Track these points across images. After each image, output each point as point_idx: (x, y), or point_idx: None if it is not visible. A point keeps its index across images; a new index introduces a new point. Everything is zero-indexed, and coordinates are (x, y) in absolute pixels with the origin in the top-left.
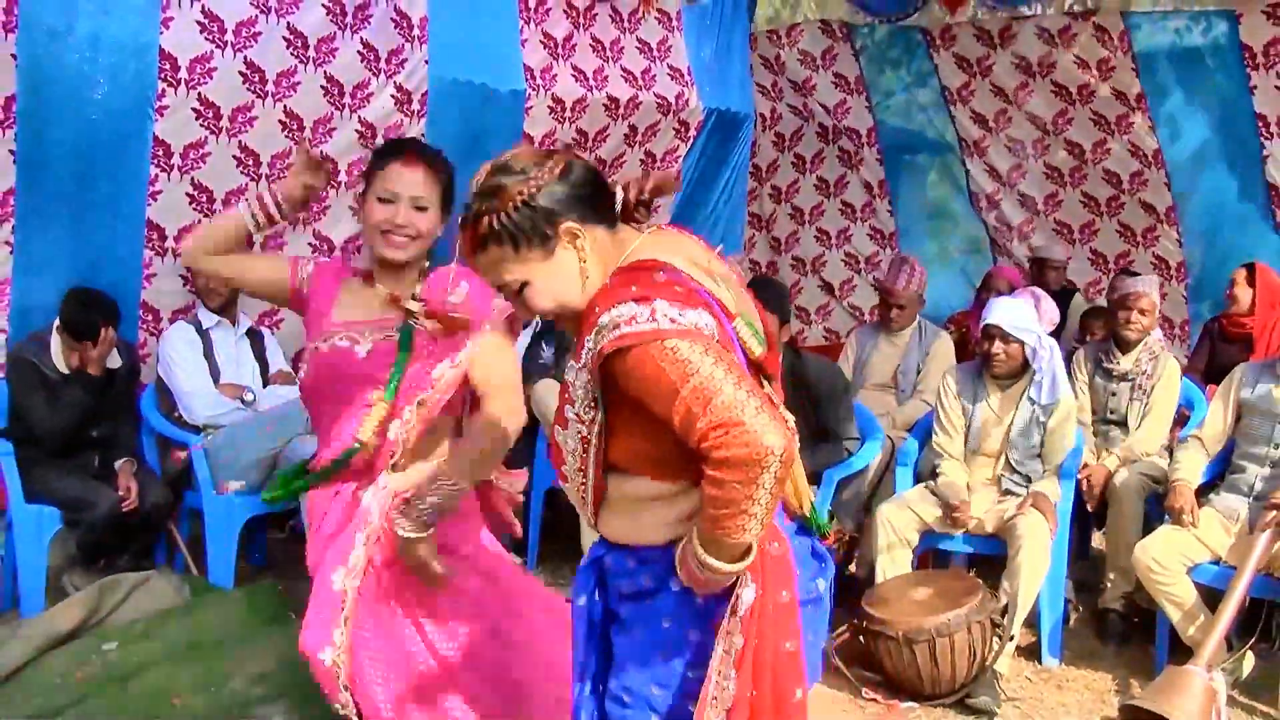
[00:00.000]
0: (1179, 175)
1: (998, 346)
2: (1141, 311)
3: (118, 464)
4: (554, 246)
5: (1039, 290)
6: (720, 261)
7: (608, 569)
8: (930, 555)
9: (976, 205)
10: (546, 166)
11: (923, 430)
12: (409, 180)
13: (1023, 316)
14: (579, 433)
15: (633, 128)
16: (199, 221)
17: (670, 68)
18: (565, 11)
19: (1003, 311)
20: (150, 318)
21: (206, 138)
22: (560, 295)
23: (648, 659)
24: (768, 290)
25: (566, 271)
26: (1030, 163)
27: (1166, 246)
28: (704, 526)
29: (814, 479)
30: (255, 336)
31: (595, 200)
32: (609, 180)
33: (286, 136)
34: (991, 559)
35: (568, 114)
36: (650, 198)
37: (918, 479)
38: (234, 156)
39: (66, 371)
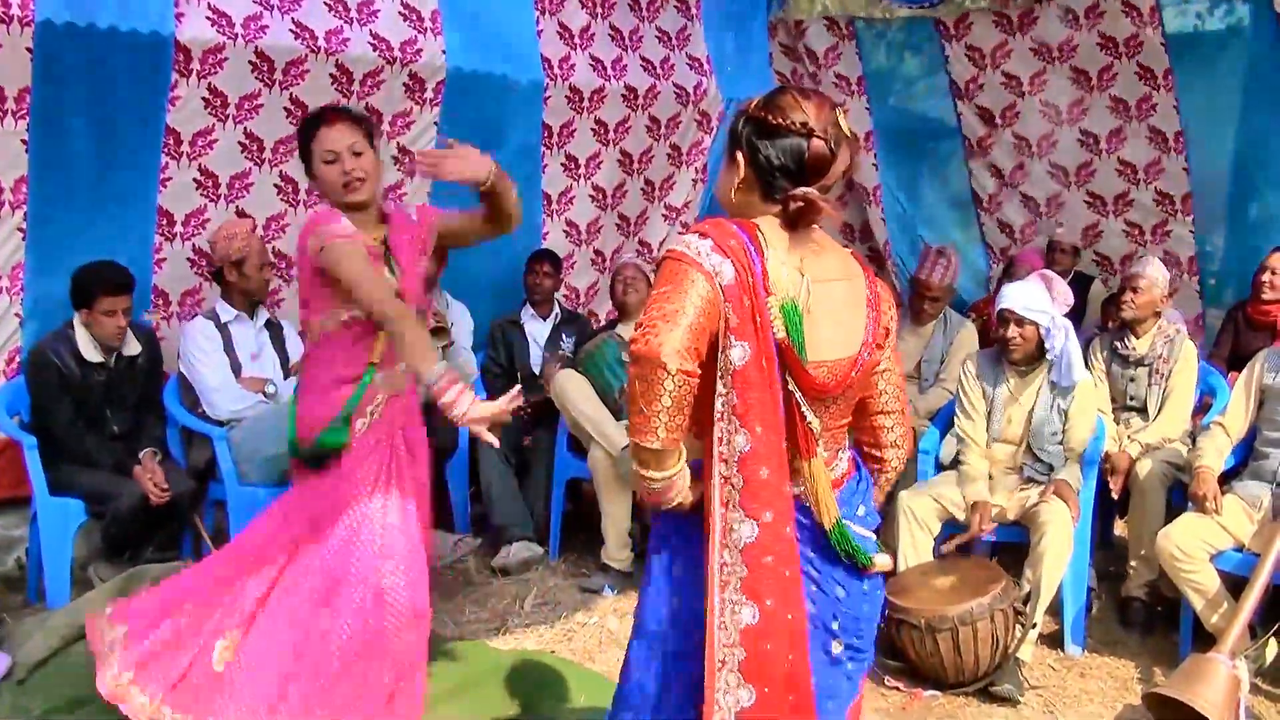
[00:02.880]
0: (1201, 157)
1: (1013, 330)
2: (1135, 290)
3: (141, 454)
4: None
5: (1050, 272)
6: (844, 266)
7: None
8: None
9: (978, 207)
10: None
11: (945, 419)
12: (338, 136)
13: (1035, 298)
14: None
15: (654, 119)
16: (205, 207)
17: (689, 57)
18: (582, 2)
19: (1015, 295)
20: (161, 302)
21: (214, 125)
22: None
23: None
24: None
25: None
26: (1034, 162)
27: (1179, 239)
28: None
29: None
30: (274, 328)
31: (782, 172)
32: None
33: (290, 123)
34: (1014, 547)
35: (586, 104)
36: (809, 215)
37: (939, 468)
38: (239, 143)
39: (93, 360)
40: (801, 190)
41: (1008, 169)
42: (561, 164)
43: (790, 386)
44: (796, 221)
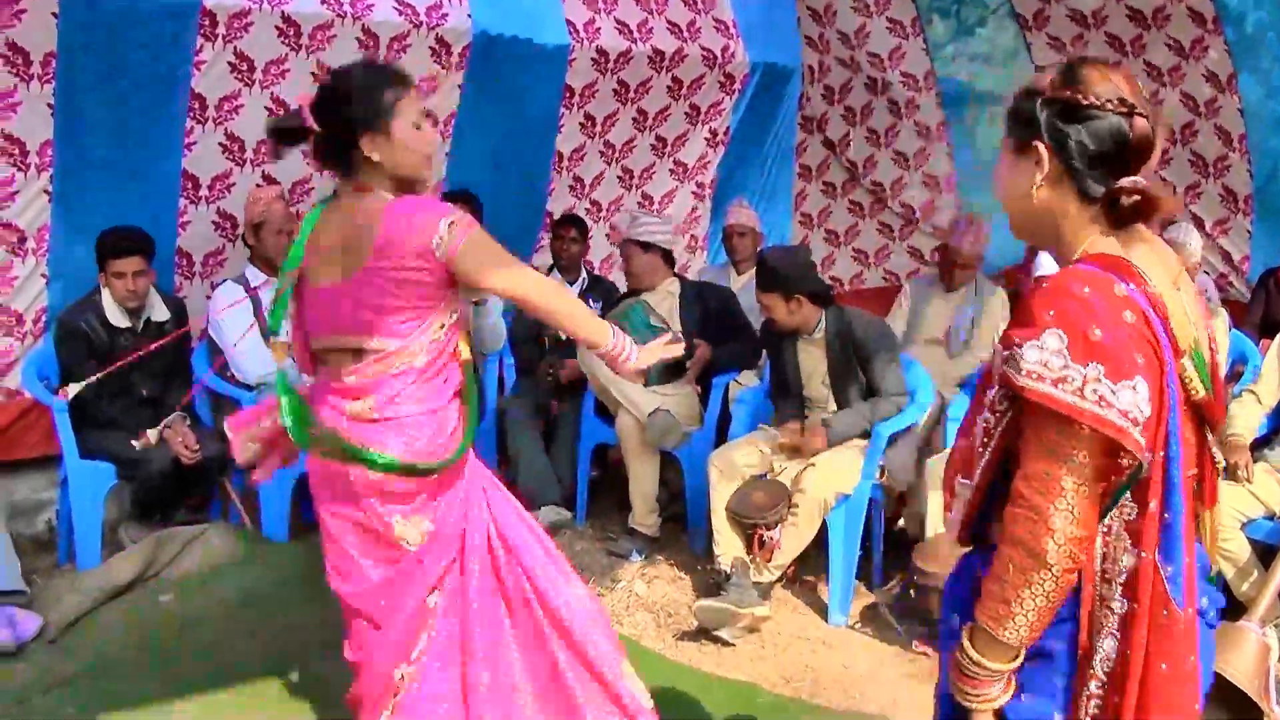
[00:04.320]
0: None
1: None
2: None
3: (169, 419)
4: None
5: None
6: (1170, 259)
7: None
8: None
9: None
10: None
11: (974, 386)
12: (420, 101)
13: None
14: (985, 421)
15: (677, 80)
16: (230, 171)
17: (715, 20)
18: None
19: (1054, 263)
20: (185, 263)
21: (240, 90)
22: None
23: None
24: (764, 267)
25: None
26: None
27: (1237, 177)
28: (975, 608)
29: (864, 434)
30: None
31: (1097, 159)
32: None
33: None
34: None
35: (610, 66)
36: (1145, 211)
37: None
38: (265, 108)
39: (120, 325)
40: (1130, 181)
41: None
42: (579, 123)
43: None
44: (1124, 222)
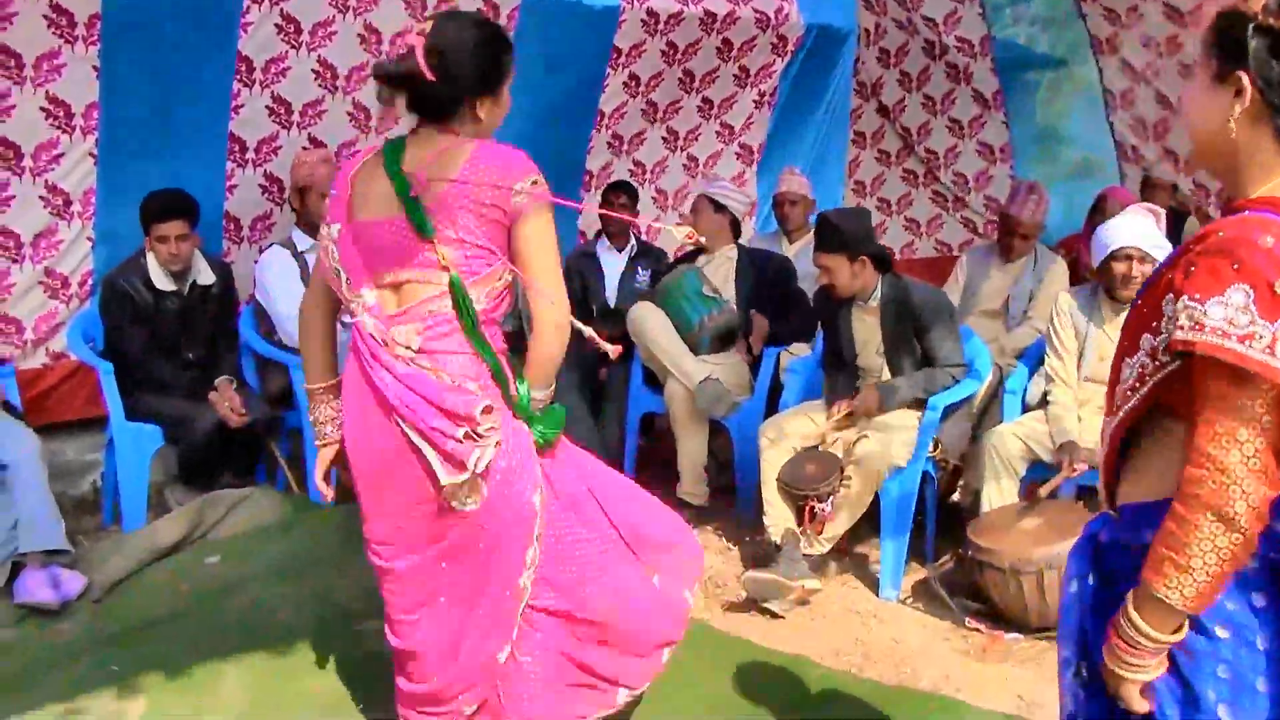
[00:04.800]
0: None
1: (1135, 269)
2: None
3: (217, 381)
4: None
5: (1153, 205)
6: None
7: (1109, 544)
8: (1037, 485)
9: (1110, 105)
10: None
11: (1032, 358)
12: None
13: (1153, 233)
14: (1141, 365)
15: (727, 42)
16: (277, 133)
17: None
18: None
19: (1130, 230)
20: (233, 227)
21: (287, 52)
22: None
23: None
24: (827, 227)
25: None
26: (1164, 60)
27: None
28: (1144, 573)
29: (919, 405)
30: None
31: None
32: None
33: (364, 50)
34: None
35: (660, 27)
36: None
37: (1026, 408)
38: (313, 70)
39: (165, 288)
40: None
41: (1139, 66)
42: (623, 83)
43: None
44: None
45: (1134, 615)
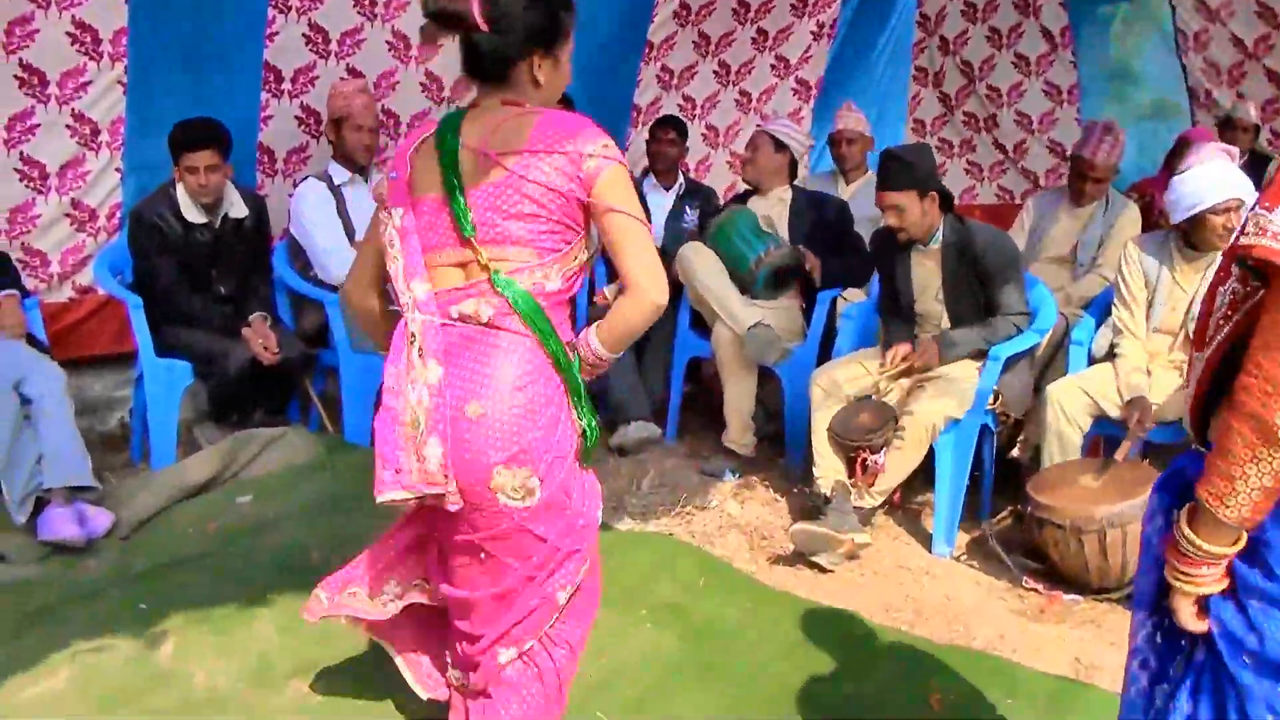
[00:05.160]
0: None
1: (1233, 220)
2: None
3: (250, 317)
4: None
5: (1231, 148)
6: None
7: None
8: (1100, 441)
9: (1183, 46)
10: None
11: (1100, 308)
12: None
13: (1239, 177)
14: (1232, 292)
15: None
16: (314, 63)
17: None
18: None
19: (1223, 183)
20: (267, 159)
21: None
22: None
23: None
24: (895, 162)
25: None
26: (1216, 27)
27: None
28: (1200, 479)
29: (979, 356)
30: None
31: None
32: None
33: None
34: (1171, 447)
35: None
36: None
37: (1091, 360)
38: None
39: (196, 221)
40: None
41: (1214, 5)
42: (673, 12)
43: None
44: None
45: (1184, 526)
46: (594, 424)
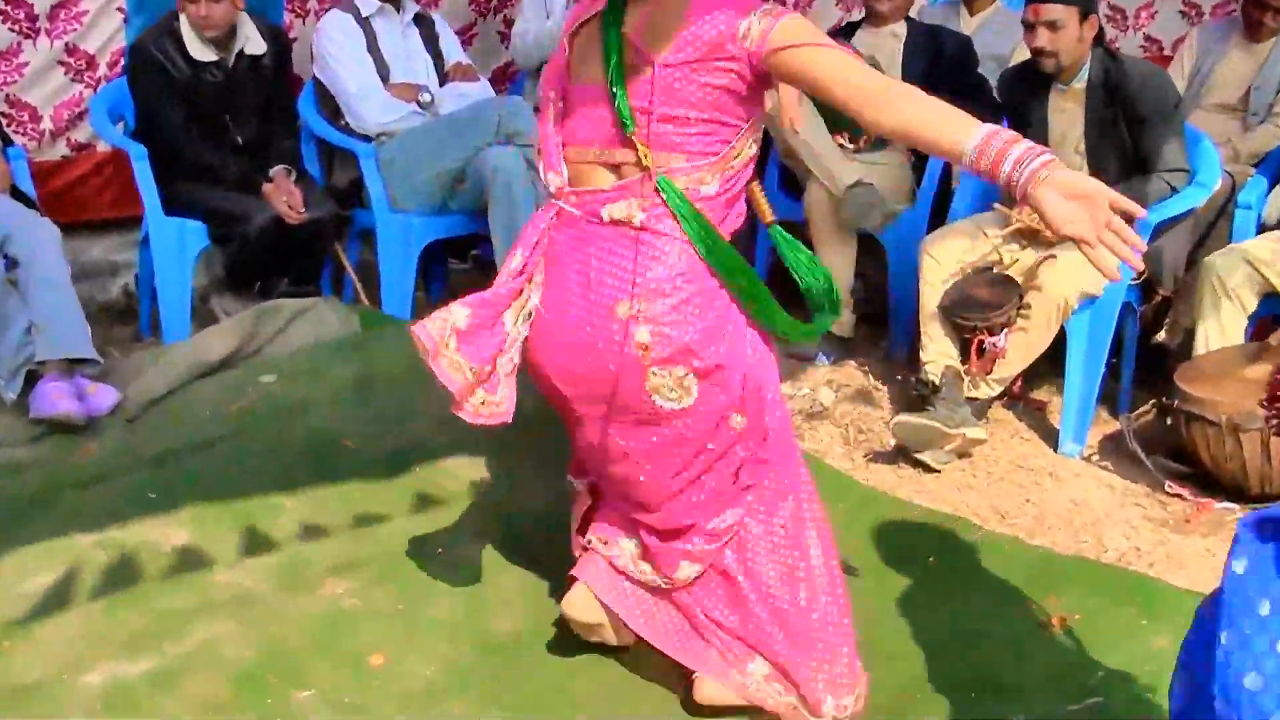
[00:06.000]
0: None
1: None
2: None
3: (272, 171)
4: None
5: None
6: None
7: None
8: (1269, 323)
9: None
10: None
11: (1274, 165)
12: None
13: None
14: None
15: None
16: None
17: None
18: None
19: None
20: None
21: None
22: None
23: None
24: None
25: None
26: None
27: None
28: None
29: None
30: (424, 23)
31: None
32: None
33: None
34: None
35: None
36: None
37: (1262, 228)
38: None
39: (204, 59)
40: None
41: None
42: None
43: None
44: None
45: None
46: (789, 321)
